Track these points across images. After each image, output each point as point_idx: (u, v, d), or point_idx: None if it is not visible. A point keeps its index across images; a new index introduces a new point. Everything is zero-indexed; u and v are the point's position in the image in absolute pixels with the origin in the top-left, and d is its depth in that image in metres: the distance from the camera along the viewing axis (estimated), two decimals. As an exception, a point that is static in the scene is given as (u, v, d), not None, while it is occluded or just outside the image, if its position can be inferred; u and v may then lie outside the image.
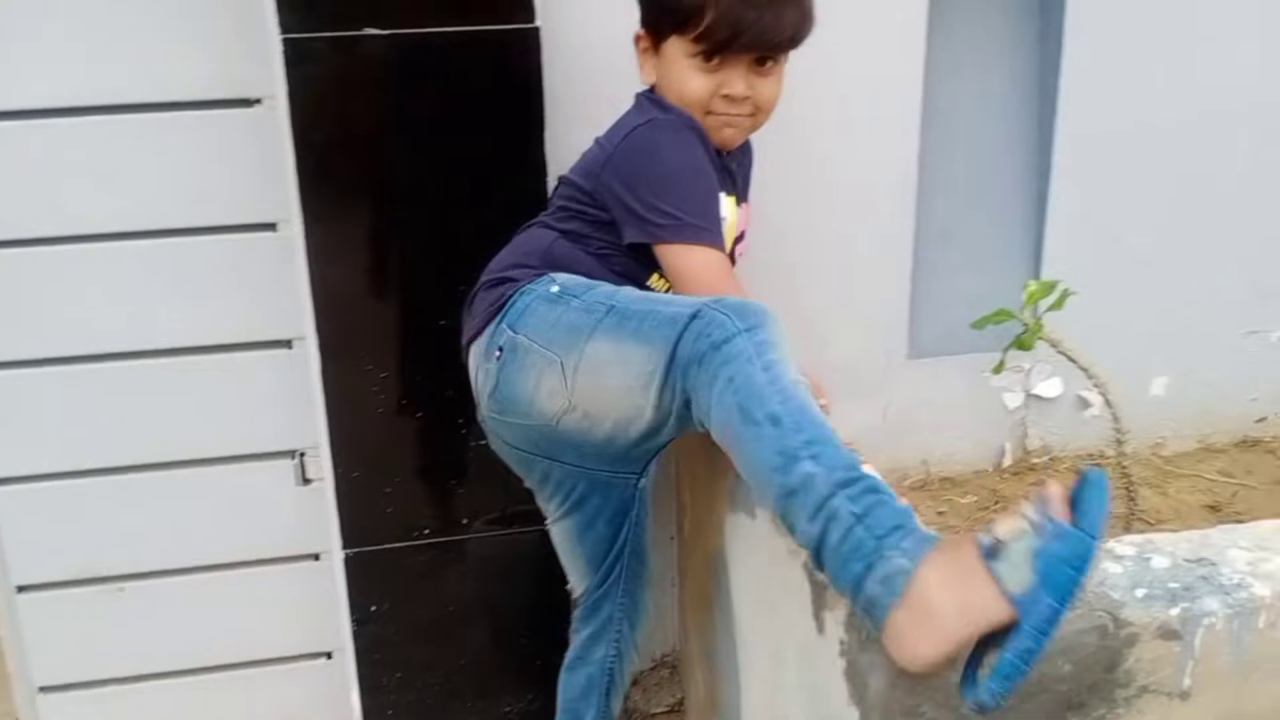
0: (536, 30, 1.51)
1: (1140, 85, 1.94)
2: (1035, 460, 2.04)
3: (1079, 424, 2.07)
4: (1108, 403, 1.62)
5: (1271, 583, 1.03)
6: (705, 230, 1.26)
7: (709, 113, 1.33)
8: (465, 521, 1.67)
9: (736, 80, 1.31)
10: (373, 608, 1.67)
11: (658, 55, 1.34)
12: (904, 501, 0.98)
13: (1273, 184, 2.04)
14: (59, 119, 1.58)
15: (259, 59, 1.56)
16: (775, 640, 1.28)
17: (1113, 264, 2.02)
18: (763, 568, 1.30)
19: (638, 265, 1.34)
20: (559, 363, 1.22)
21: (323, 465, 1.66)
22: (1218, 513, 1.80)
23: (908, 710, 0.96)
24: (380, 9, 1.46)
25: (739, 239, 1.44)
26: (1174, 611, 1.00)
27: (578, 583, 1.49)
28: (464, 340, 1.40)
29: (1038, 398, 2.05)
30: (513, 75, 1.51)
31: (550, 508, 1.43)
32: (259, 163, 1.63)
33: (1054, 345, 1.63)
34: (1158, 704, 1.02)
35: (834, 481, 0.97)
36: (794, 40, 1.31)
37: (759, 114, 1.36)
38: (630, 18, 1.61)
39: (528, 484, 1.46)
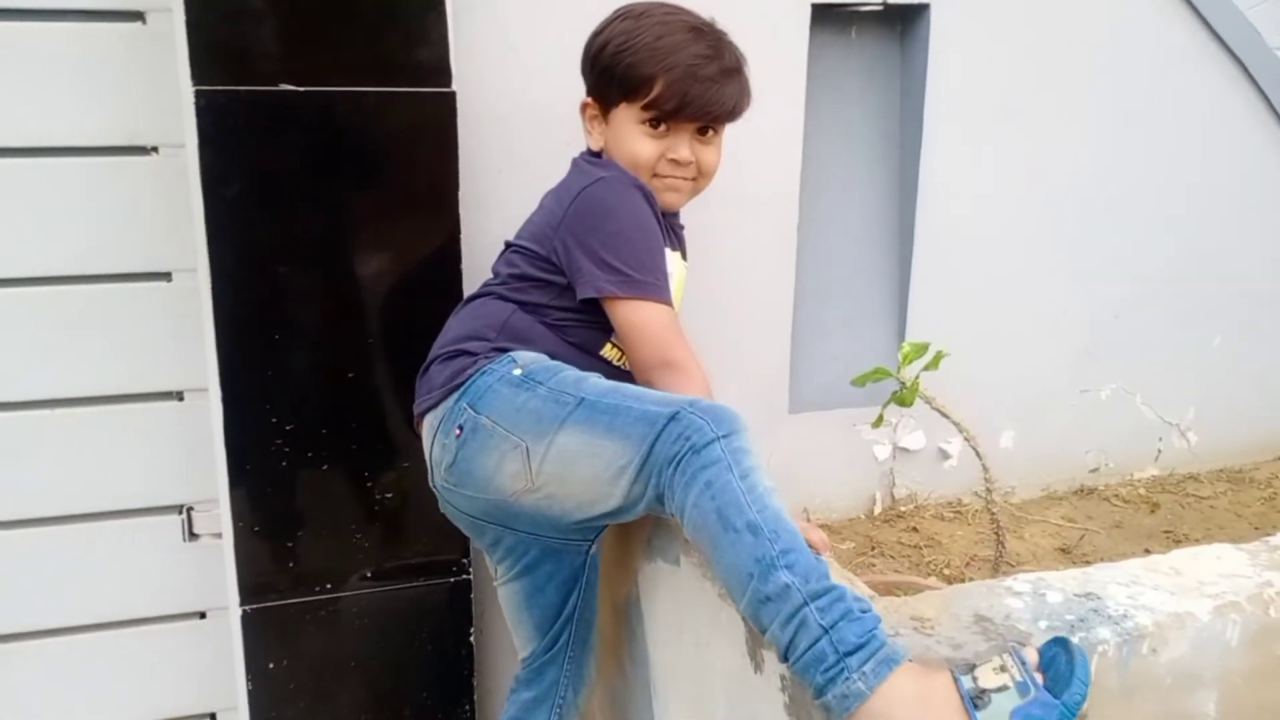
0: (453, 94, 1.56)
1: (990, 165, 2.15)
2: (903, 508, 2.18)
3: (940, 474, 2.23)
4: (978, 454, 1.76)
5: (1151, 613, 1.16)
6: (653, 285, 1.32)
7: (656, 175, 1.40)
8: (369, 574, 1.66)
9: (681, 146, 1.39)
10: (270, 665, 1.63)
11: (606, 122, 1.40)
12: (872, 609, 1.05)
13: (1102, 257, 2.28)
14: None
15: (159, 108, 1.55)
16: (699, 685, 1.33)
17: (965, 325, 2.20)
18: (685, 613, 1.36)
19: (593, 333, 1.38)
20: (524, 448, 1.24)
21: (219, 519, 1.62)
22: (1068, 554, 1.97)
23: (850, 739, 1.03)
24: (298, 67, 1.48)
25: None
26: (1073, 640, 1.11)
27: (522, 645, 1.49)
28: (417, 409, 1.41)
29: (904, 450, 2.20)
30: (429, 136, 1.55)
31: (500, 570, 1.44)
32: (155, 212, 1.60)
33: (928, 402, 1.77)
34: (1058, 725, 1.12)
35: (807, 592, 1.03)
36: (733, 113, 1.40)
37: (701, 178, 1.45)
38: (543, 81, 1.69)
39: (477, 544, 1.47)
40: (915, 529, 2.08)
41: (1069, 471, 2.35)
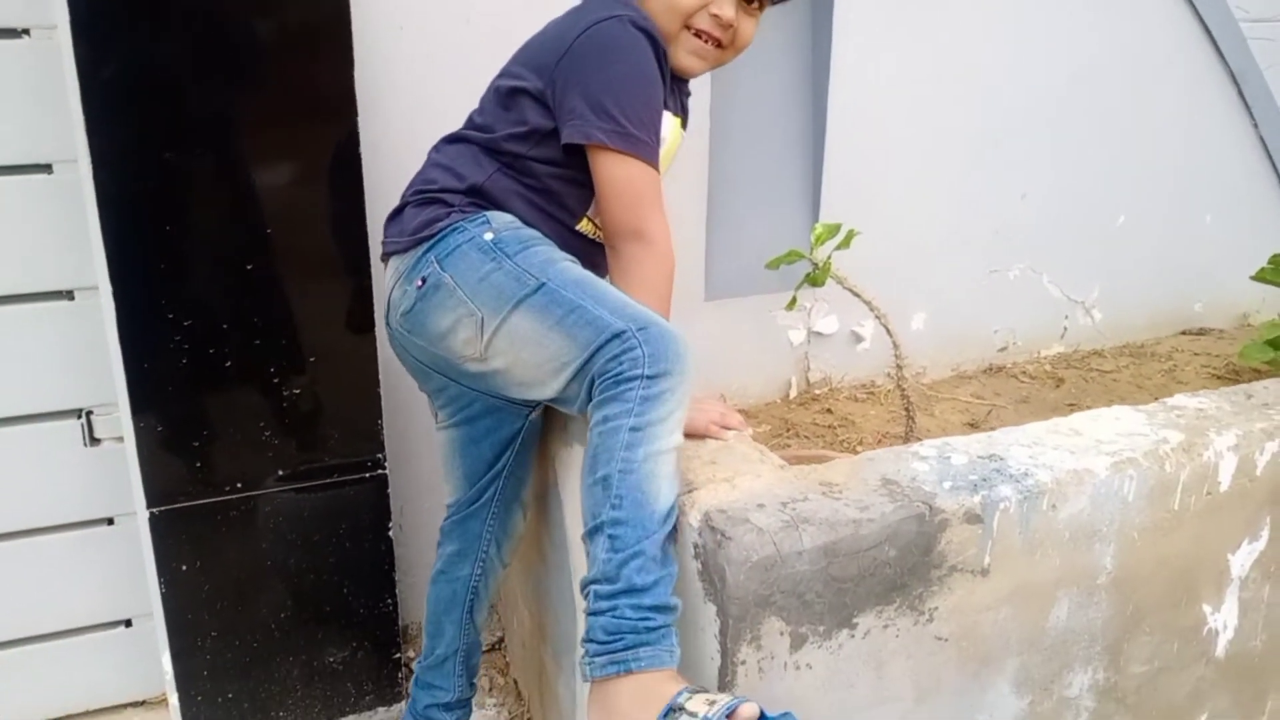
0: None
1: (900, 43, 2.13)
2: (817, 391, 2.21)
3: (853, 357, 2.27)
4: (889, 333, 1.78)
5: (1051, 471, 1.19)
6: (644, 143, 1.25)
7: (688, 28, 1.32)
8: (281, 474, 1.63)
9: (727, 3, 1.31)
10: (183, 567, 1.60)
11: None
12: (661, 618, 1.07)
13: (1010, 139, 2.29)
14: None
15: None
16: (616, 560, 1.34)
17: (877, 211, 2.21)
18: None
19: (572, 200, 1.34)
20: (479, 317, 1.23)
21: (120, 422, 1.57)
22: (976, 429, 2.02)
23: (760, 600, 1.05)
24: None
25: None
26: (976, 499, 1.15)
27: (450, 491, 1.50)
28: (384, 249, 1.38)
29: (818, 334, 2.22)
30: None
31: (440, 415, 1.44)
32: (29, 98, 1.51)
33: (841, 283, 1.78)
34: (964, 581, 1.16)
35: (606, 571, 1.07)
36: None
37: (729, 49, 1.37)
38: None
39: (422, 389, 1.46)
40: (829, 410, 2.12)
41: (978, 351, 2.40)
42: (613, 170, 1.26)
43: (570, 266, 1.26)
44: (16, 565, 1.68)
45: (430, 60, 1.74)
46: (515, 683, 1.90)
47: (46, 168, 1.56)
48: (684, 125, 1.44)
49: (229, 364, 1.56)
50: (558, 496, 1.52)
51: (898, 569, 1.12)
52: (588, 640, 1.08)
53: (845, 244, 1.75)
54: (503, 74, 1.38)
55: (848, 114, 2.13)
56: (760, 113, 2.13)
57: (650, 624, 1.05)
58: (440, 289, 1.26)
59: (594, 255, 1.38)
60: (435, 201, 1.32)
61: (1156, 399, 1.44)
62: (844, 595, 1.09)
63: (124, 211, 1.46)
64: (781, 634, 1.07)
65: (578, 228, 1.38)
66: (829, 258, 1.74)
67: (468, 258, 1.25)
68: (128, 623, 1.79)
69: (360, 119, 1.53)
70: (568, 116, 1.26)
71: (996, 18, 2.20)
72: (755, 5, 1.35)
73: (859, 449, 1.92)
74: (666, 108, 1.33)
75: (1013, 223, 2.36)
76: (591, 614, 1.08)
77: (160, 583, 1.60)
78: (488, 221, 1.28)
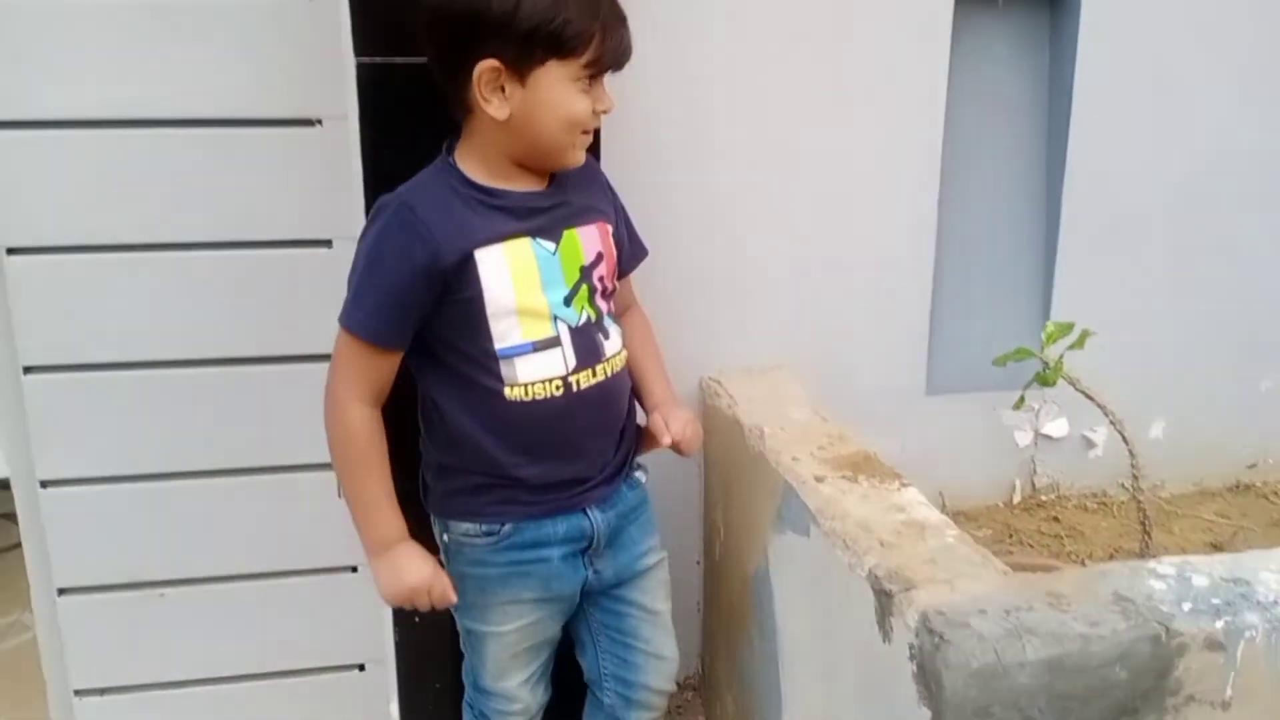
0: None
1: (1145, 140, 2.07)
2: (1044, 497, 2.13)
3: (1084, 464, 2.17)
4: (1125, 440, 1.70)
5: (1306, 601, 1.11)
6: (350, 316, 1.33)
7: (584, 132, 1.33)
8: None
9: (605, 96, 1.32)
10: (416, 618, 1.71)
11: (522, 85, 1.26)
12: None
13: (1269, 239, 2.16)
14: (120, 130, 1.64)
15: (322, 81, 1.63)
16: (827, 654, 1.34)
17: (1116, 310, 2.12)
18: (816, 583, 1.37)
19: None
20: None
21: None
22: (1220, 551, 1.89)
23: (979, 710, 1.02)
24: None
25: (596, 262, 1.39)
26: (1219, 624, 1.08)
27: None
28: None
29: (1046, 437, 2.14)
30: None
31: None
32: (319, 181, 1.69)
33: (1073, 384, 1.72)
34: (1202, 713, 1.09)
35: None
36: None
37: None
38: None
39: None
40: (1056, 519, 2.03)
41: (1223, 466, 2.25)
42: None
43: (496, 632, 1.47)
44: (270, 604, 1.84)
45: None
46: (714, 767, 1.90)
47: (328, 243, 1.74)
48: (589, 221, 1.40)
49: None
50: (768, 583, 1.54)
51: (1129, 692, 1.06)
52: None
53: (1079, 344, 1.69)
54: None
55: (1085, 205, 2.07)
56: (990, 203, 2.11)
57: None
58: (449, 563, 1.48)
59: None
60: (424, 474, 1.52)
61: None
62: (1069, 715, 1.05)
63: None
64: (999, 747, 1.04)
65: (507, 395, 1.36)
66: (1060, 357, 1.70)
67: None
68: (361, 667, 1.92)
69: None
70: None
71: (1251, 108, 2.09)
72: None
73: (1087, 563, 1.83)
74: (491, 242, 1.31)
75: (1266, 330, 2.21)
76: None
77: (395, 630, 1.71)
78: (448, 553, 1.47)
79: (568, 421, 1.38)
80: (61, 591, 1.77)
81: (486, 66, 1.25)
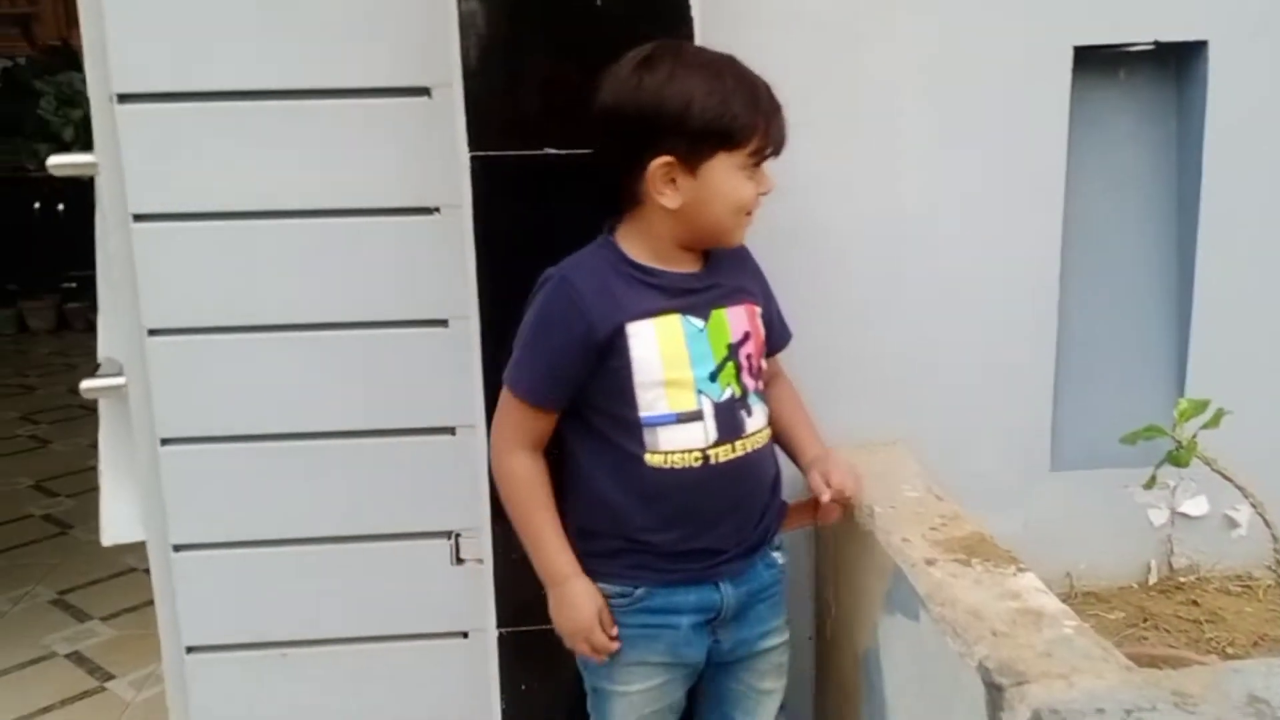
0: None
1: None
2: (1182, 579, 2.01)
3: (1226, 544, 2.04)
4: (1267, 524, 1.61)
5: None
6: (513, 378, 1.43)
7: (747, 213, 1.40)
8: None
9: (767, 179, 1.39)
10: (522, 686, 1.72)
11: (694, 177, 1.34)
12: None
13: None
14: (256, 220, 1.74)
15: (437, 170, 1.70)
16: (938, 743, 1.29)
17: (1257, 384, 2.00)
18: (926, 670, 1.32)
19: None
20: None
21: (481, 545, 1.74)
22: (1380, 642, 1.74)
23: (1096, 817, 0.97)
24: (559, 133, 1.59)
25: (743, 341, 1.44)
26: (1368, 735, 0.99)
27: None
28: None
29: (1184, 515, 2.03)
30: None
31: None
32: (436, 266, 1.75)
33: (1208, 463, 1.63)
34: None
35: None
36: None
37: None
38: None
39: None
40: (1195, 602, 1.91)
41: (1387, 549, 2.07)
42: None
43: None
44: (386, 667, 1.88)
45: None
46: None
47: (444, 322, 1.80)
48: (734, 303, 1.44)
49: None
50: (878, 664, 1.49)
51: (1264, 808, 0.99)
52: None
53: (1214, 423, 1.61)
54: None
55: (1219, 277, 1.97)
56: (1117, 269, 2.03)
57: None
58: None
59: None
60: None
61: None
62: (1197, 828, 0.98)
63: (499, 362, 1.65)
64: None
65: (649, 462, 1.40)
66: (1194, 436, 1.61)
67: None
68: (473, 730, 1.94)
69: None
70: None
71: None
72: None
73: (1229, 651, 1.72)
74: (643, 316, 1.37)
75: None
76: None
77: (501, 698, 1.73)
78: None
79: (704, 493, 1.41)
80: (190, 650, 1.85)
81: (660, 163, 1.33)
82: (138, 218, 1.74)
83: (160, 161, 1.72)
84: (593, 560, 1.44)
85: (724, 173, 1.35)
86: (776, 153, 1.40)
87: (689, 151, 1.33)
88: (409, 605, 1.88)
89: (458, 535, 1.87)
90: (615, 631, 1.42)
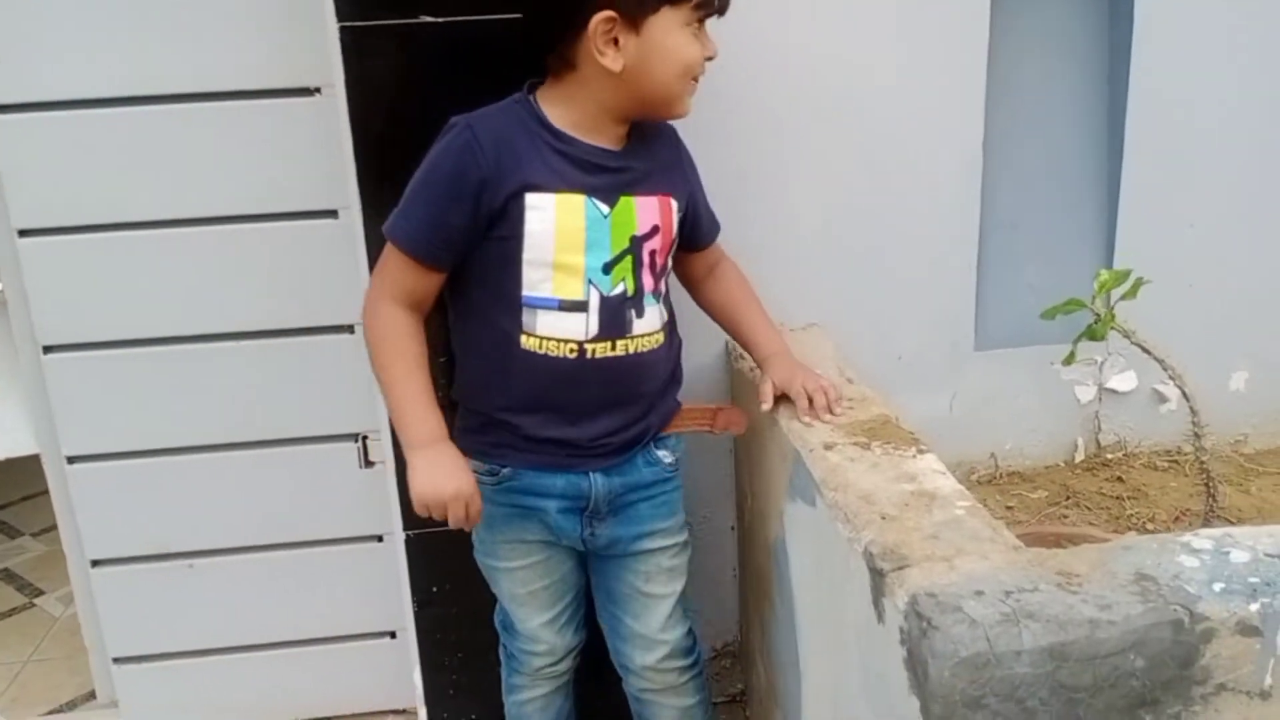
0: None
1: (1216, 62, 1.87)
2: (1109, 455, 1.98)
3: (1155, 419, 2.01)
4: (1185, 396, 1.56)
5: (1360, 580, 0.98)
6: (392, 224, 1.31)
7: (694, 78, 1.31)
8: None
9: (710, 42, 1.31)
10: (434, 589, 1.68)
11: (637, 35, 1.25)
12: None
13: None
14: (124, 108, 1.63)
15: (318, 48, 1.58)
16: (836, 627, 1.26)
17: (1189, 251, 1.94)
18: (822, 555, 1.28)
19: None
20: None
21: (383, 447, 1.68)
22: (1303, 510, 1.73)
23: (969, 701, 0.93)
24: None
25: (649, 235, 1.35)
26: (1254, 607, 0.96)
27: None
28: None
29: (1111, 391, 1.99)
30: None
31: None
32: (321, 153, 1.65)
33: (1127, 336, 1.58)
34: (1237, 702, 0.97)
35: None
36: None
37: None
38: None
39: None
40: (1120, 479, 1.88)
41: (1316, 418, 2.05)
42: None
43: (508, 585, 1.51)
44: (299, 574, 1.85)
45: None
46: (752, 740, 1.84)
47: (333, 213, 1.71)
48: (652, 193, 1.35)
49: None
50: (784, 551, 1.46)
51: (1147, 681, 0.95)
52: None
53: (1131, 293, 1.55)
54: None
55: (1150, 140, 1.88)
56: (1044, 136, 1.94)
57: None
58: None
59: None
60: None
61: None
62: (1076, 706, 0.95)
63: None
64: (998, 740, 0.95)
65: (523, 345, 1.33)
66: (1111, 308, 1.56)
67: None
68: (393, 634, 1.91)
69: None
70: None
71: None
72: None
73: (1148, 527, 1.70)
74: (545, 189, 1.28)
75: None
76: None
77: (413, 602, 1.69)
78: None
79: (574, 385, 1.35)
80: (95, 564, 1.80)
81: (602, 17, 1.23)
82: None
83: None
84: (462, 436, 1.38)
85: (670, 30, 1.25)
86: (722, 11, 1.31)
87: (631, 6, 1.23)
88: (319, 511, 1.83)
89: (365, 437, 1.81)
90: (479, 506, 1.33)
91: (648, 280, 1.36)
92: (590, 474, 1.39)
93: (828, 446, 1.33)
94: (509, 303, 1.31)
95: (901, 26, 1.75)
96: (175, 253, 1.70)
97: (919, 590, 0.99)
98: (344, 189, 1.64)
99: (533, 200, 1.28)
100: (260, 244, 1.70)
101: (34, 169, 1.64)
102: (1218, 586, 0.98)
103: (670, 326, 1.43)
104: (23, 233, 1.66)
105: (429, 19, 1.47)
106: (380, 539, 1.85)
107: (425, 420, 1.31)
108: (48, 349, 1.72)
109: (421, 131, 1.51)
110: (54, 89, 1.61)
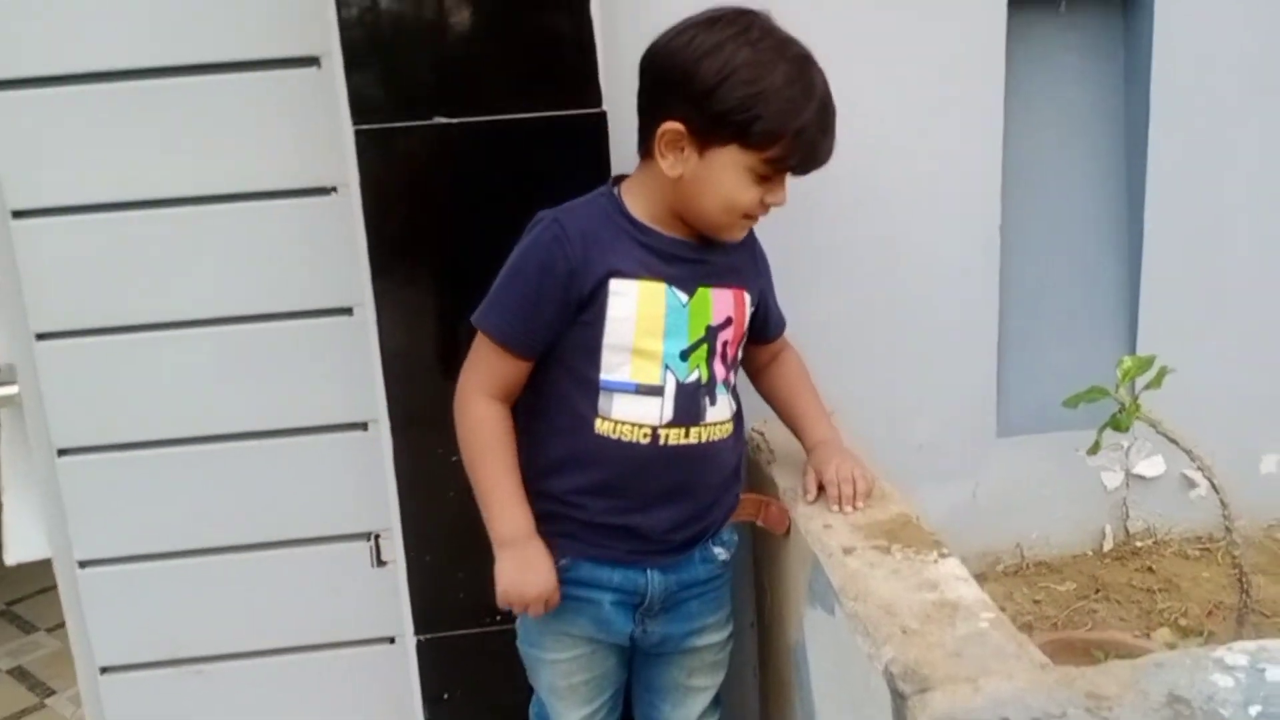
0: (603, 114, 1.52)
1: (1237, 134, 1.86)
2: (1139, 543, 1.93)
3: (1184, 505, 1.96)
4: (1213, 485, 1.52)
5: (1407, 702, 0.93)
6: (482, 314, 1.34)
7: (746, 216, 1.31)
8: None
9: (781, 190, 1.30)
10: (445, 694, 1.64)
11: (699, 155, 1.26)
12: None
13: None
14: (140, 211, 1.64)
15: (334, 149, 1.59)
16: (857, 746, 1.21)
17: (1214, 334, 1.92)
18: (843, 666, 1.24)
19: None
20: None
21: (395, 546, 1.65)
22: (1344, 603, 1.67)
23: (998, 838, 0.89)
24: (449, 98, 1.48)
25: (723, 326, 1.36)
26: (1294, 733, 0.91)
27: None
28: None
29: (1139, 477, 1.95)
30: (581, 158, 1.51)
31: None
32: (337, 250, 1.65)
33: (1153, 425, 1.54)
34: (1280, 836, 0.92)
35: None
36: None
37: None
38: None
39: None
40: (1151, 569, 1.83)
41: (1353, 501, 2.00)
42: None
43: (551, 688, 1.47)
44: (310, 677, 1.81)
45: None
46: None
47: (348, 310, 1.70)
48: (722, 285, 1.37)
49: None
50: (804, 658, 1.41)
51: (1182, 813, 0.91)
52: None
53: (1157, 382, 1.52)
54: None
55: (1171, 225, 1.87)
56: (1063, 217, 1.92)
57: None
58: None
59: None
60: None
61: None
62: (1109, 839, 0.90)
63: (400, 348, 1.57)
64: None
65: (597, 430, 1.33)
66: (1136, 397, 1.52)
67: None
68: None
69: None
70: None
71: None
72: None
73: (1180, 623, 1.64)
74: (629, 275, 1.31)
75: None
76: None
77: (424, 706, 1.65)
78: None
79: (646, 471, 1.35)
80: (104, 670, 1.78)
81: (670, 127, 1.26)
82: (17, 214, 1.63)
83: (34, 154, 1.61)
84: None
85: (730, 167, 1.26)
86: (801, 171, 1.31)
87: (703, 129, 1.25)
88: (331, 612, 1.80)
89: (377, 536, 1.78)
90: (558, 600, 1.35)
91: (720, 370, 1.37)
92: (648, 570, 1.38)
93: (846, 550, 1.29)
94: (586, 386, 1.32)
95: (918, 111, 1.75)
96: (190, 353, 1.69)
97: (941, 715, 0.95)
98: (359, 286, 1.65)
99: (617, 286, 1.30)
100: (274, 342, 1.70)
101: (53, 270, 1.65)
102: (1254, 710, 0.94)
103: (738, 418, 1.43)
104: (40, 336, 1.67)
105: (444, 120, 1.48)
106: (392, 640, 1.82)
107: (515, 518, 1.33)
108: (62, 452, 1.71)
109: (433, 228, 1.53)
110: (74, 198, 1.63)
